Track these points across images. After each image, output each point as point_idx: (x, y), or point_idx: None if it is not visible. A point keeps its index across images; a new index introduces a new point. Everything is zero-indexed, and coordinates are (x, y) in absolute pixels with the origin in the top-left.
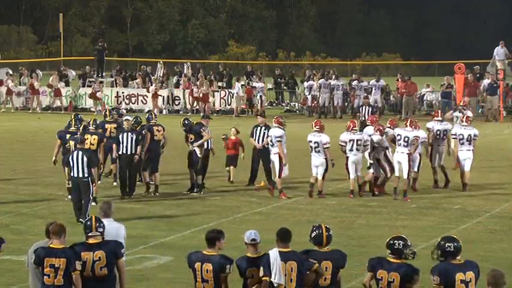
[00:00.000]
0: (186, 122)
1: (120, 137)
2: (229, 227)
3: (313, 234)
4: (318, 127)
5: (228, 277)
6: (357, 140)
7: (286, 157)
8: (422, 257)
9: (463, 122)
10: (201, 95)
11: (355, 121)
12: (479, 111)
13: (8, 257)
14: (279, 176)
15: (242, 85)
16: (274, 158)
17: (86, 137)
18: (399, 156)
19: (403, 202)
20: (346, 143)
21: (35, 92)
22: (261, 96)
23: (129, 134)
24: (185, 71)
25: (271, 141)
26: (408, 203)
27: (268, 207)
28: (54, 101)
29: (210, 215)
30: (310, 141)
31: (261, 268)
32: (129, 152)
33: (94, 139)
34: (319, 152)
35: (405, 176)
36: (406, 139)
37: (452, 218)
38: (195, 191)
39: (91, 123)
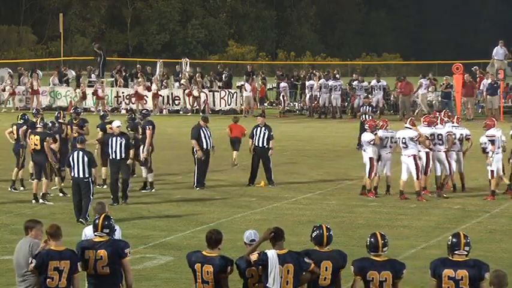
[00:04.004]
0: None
1: (110, 141)
2: (229, 227)
3: (314, 234)
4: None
5: (228, 277)
6: (391, 138)
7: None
8: (423, 257)
9: (453, 122)
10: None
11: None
12: (479, 111)
13: (8, 257)
14: (417, 178)
15: (242, 85)
16: (409, 160)
17: (30, 137)
18: (438, 155)
19: (403, 202)
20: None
21: (35, 92)
22: (283, 96)
23: (118, 138)
24: (184, 68)
25: (404, 143)
26: (408, 202)
27: (269, 207)
28: (80, 102)
29: (210, 215)
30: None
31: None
32: (118, 157)
33: (37, 139)
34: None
35: (448, 172)
36: (440, 137)
37: (452, 218)
38: (146, 188)
39: (38, 122)
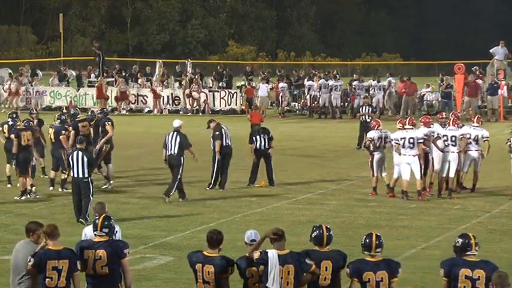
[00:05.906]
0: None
1: (166, 138)
2: (229, 227)
3: (313, 234)
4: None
5: (229, 277)
6: (409, 138)
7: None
8: (423, 257)
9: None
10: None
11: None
12: (479, 111)
13: (8, 257)
14: (420, 178)
15: (242, 85)
16: (414, 160)
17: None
18: (449, 156)
19: (403, 202)
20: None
21: (15, 93)
22: (281, 96)
23: (175, 134)
24: (187, 70)
25: (411, 143)
26: (408, 202)
27: (268, 207)
28: (121, 105)
29: (210, 215)
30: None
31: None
32: (174, 153)
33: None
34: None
35: (452, 174)
36: (454, 138)
37: (452, 218)
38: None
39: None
